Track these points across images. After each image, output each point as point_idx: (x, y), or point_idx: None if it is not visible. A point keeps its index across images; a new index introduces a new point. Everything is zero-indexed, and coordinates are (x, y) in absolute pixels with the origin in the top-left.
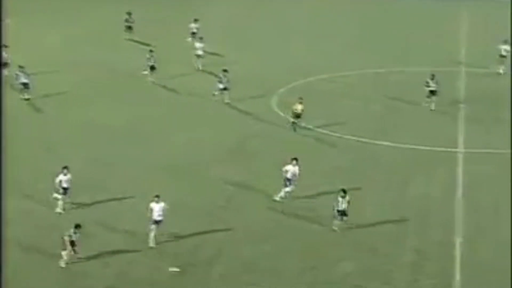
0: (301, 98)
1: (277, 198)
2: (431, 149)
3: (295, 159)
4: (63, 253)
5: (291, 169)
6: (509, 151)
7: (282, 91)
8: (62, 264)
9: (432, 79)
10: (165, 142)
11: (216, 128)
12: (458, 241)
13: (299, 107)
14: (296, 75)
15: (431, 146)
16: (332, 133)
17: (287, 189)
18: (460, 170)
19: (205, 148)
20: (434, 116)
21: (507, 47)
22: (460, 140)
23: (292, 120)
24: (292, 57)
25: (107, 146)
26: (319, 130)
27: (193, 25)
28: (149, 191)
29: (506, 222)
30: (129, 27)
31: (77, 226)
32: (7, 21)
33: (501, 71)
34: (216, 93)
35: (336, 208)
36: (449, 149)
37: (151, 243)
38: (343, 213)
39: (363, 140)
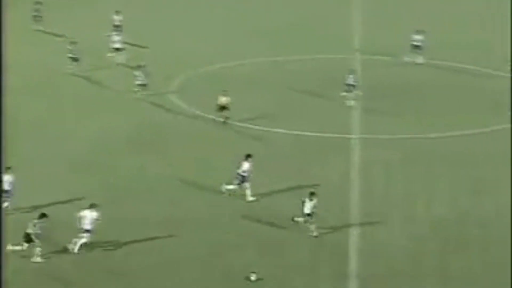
0: (225, 91)
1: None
2: (328, 135)
3: (250, 155)
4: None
5: (246, 165)
6: (405, 135)
7: (181, 81)
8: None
9: (351, 73)
10: (74, 136)
11: (123, 120)
12: (354, 228)
13: (223, 100)
14: (193, 65)
15: (328, 133)
16: (231, 122)
17: (245, 185)
18: (356, 156)
19: (113, 142)
20: (330, 103)
21: (420, 37)
22: (357, 126)
23: (219, 113)
24: (188, 47)
25: (13, 143)
26: (220, 119)
27: (115, 17)
28: (53, 188)
29: (401, 208)
30: (38, 17)
31: (42, 216)
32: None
33: (419, 61)
34: (136, 89)
35: (304, 212)
36: (345, 136)
37: (76, 249)
38: (309, 215)
39: (262, 128)
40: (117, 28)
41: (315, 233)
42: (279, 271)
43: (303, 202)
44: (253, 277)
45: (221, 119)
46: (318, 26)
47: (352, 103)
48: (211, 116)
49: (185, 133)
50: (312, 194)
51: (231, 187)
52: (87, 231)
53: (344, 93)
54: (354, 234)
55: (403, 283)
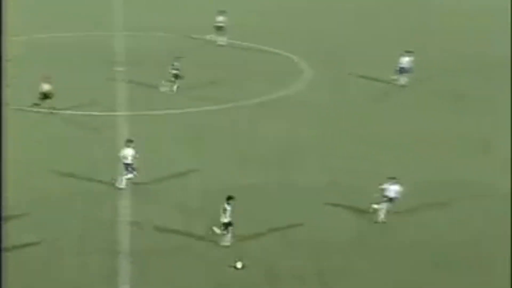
0: (48, 77)
1: (122, 186)
2: (98, 114)
3: (131, 140)
4: None
5: (129, 152)
6: (179, 111)
7: None
8: None
9: (177, 61)
10: None
11: None
12: (123, 203)
13: (45, 87)
14: None
15: (97, 111)
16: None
17: (130, 175)
18: (126, 133)
19: None
20: (98, 80)
21: (222, 18)
22: (127, 103)
23: (38, 102)
24: None
25: None
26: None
27: None
28: None
29: (170, 181)
30: None
31: None
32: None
33: (222, 43)
34: None
35: (223, 220)
36: (115, 113)
37: None
38: (229, 224)
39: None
40: None
41: (227, 243)
42: (69, 257)
43: (224, 210)
44: (239, 265)
45: (47, 110)
46: (80, 4)
47: (175, 89)
48: None
49: None
50: (229, 198)
51: (123, 181)
52: None
53: (171, 80)
54: (122, 209)
55: (176, 256)
